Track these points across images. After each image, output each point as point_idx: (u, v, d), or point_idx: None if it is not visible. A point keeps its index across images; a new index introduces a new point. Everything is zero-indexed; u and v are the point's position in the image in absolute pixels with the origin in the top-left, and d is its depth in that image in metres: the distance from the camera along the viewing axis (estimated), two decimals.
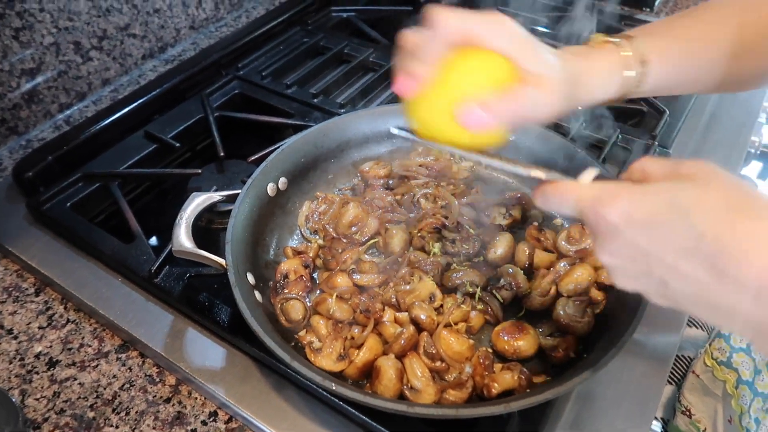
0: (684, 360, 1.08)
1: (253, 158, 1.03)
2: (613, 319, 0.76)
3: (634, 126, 1.15)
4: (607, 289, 0.80)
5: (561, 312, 0.77)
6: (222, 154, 1.07)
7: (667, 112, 1.13)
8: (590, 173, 0.57)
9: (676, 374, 1.09)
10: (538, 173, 0.59)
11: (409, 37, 0.59)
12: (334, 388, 0.63)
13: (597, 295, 0.79)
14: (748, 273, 0.44)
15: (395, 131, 0.68)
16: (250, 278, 0.77)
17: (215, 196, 0.84)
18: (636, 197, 0.49)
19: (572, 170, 0.60)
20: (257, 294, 0.76)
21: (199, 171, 1.03)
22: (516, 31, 0.60)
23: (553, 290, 0.80)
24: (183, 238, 0.78)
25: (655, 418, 1.04)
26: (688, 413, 1.04)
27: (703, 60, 0.70)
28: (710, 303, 0.47)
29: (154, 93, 1.17)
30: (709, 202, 0.46)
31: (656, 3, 1.51)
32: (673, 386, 1.06)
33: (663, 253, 0.48)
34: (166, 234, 0.82)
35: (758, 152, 1.28)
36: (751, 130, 1.21)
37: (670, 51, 0.69)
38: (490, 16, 0.59)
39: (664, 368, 0.81)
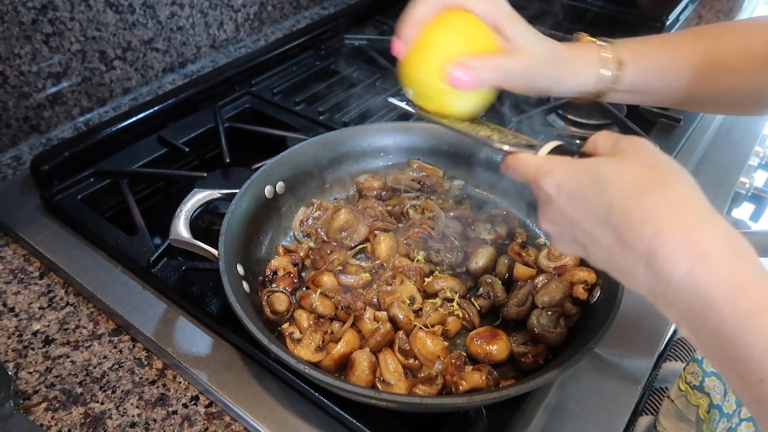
0: (664, 392, 1.09)
1: (256, 166, 1.08)
2: (584, 331, 0.78)
3: None
4: (581, 303, 0.83)
5: (535, 321, 0.80)
6: (228, 160, 1.12)
7: (658, 147, 1.17)
8: (550, 145, 0.61)
9: (657, 405, 1.10)
10: (503, 146, 0.63)
11: (408, 7, 0.66)
12: (306, 370, 0.66)
13: (571, 308, 0.82)
14: (640, 242, 0.49)
15: (392, 100, 0.74)
16: (240, 269, 0.81)
17: (215, 193, 0.89)
18: (568, 171, 0.55)
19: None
20: (245, 284, 0.80)
21: (204, 174, 1.08)
22: (503, 3, 0.66)
23: (529, 301, 0.83)
24: (181, 228, 0.82)
25: None
26: None
27: (672, 71, 0.75)
28: (617, 267, 0.53)
29: (170, 101, 1.24)
30: (622, 177, 0.51)
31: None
32: (651, 416, 1.06)
33: (583, 221, 0.54)
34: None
35: (749, 194, 1.31)
36: (740, 171, 1.24)
37: (644, 58, 0.75)
38: None
39: (635, 389, 0.84)
